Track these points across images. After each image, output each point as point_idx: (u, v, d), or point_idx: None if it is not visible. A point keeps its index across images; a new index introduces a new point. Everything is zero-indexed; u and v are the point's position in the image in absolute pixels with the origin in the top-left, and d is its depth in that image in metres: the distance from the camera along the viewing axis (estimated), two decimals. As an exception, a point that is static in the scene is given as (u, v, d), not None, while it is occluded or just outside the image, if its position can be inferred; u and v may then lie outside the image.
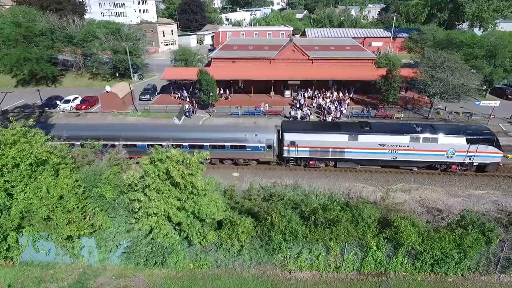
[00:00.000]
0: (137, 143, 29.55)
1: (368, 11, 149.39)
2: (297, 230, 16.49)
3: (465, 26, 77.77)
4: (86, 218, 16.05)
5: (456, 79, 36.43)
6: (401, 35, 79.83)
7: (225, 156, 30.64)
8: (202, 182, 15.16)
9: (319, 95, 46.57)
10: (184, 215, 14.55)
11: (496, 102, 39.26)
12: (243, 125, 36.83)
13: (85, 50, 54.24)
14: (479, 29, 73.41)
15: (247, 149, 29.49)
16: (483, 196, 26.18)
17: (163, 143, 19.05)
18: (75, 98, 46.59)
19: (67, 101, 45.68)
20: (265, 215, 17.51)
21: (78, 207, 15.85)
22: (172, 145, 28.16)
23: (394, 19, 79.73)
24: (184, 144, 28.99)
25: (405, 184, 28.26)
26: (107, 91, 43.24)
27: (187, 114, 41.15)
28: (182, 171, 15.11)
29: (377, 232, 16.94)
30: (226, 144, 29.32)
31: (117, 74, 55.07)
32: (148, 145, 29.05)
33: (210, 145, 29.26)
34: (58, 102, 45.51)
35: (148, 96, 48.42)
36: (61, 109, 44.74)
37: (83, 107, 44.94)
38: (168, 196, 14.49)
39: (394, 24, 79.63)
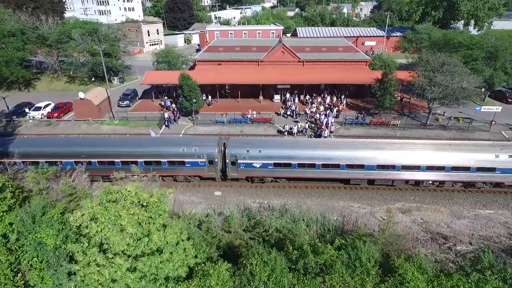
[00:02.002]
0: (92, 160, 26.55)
1: (361, 8, 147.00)
2: (282, 281, 13.58)
3: (460, 24, 75.87)
4: (18, 276, 12.91)
5: (456, 83, 33.92)
6: (394, 34, 77.47)
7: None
8: (160, 234, 12.06)
9: (310, 99, 43.70)
10: (137, 279, 11.46)
11: (497, 108, 36.94)
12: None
13: (60, 52, 50.32)
14: (474, 28, 71.48)
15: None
16: (491, 217, 23.71)
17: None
18: (47, 105, 42.90)
19: (38, 109, 41.99)
20: (244, 260, 14.56)
21: (7, 261, 12.67)
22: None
23: (387, 18, 77.22)
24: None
25: (405, 203, 25.64)
26: (80, 98, 39.70)
27: (166, 123, 37.79)
28: (138, 217, 12.06)
29: (378, 280, 14.14)
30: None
31: (93, 79, 51.29)
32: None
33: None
34: (27, 109, 41.74)
35: (128, 102, 44.94)
36: (31, 117, 41.05)
37: (55, 115, 41.32)
38: (115, 255, 11.38)
39: (387, 22, 77.16)
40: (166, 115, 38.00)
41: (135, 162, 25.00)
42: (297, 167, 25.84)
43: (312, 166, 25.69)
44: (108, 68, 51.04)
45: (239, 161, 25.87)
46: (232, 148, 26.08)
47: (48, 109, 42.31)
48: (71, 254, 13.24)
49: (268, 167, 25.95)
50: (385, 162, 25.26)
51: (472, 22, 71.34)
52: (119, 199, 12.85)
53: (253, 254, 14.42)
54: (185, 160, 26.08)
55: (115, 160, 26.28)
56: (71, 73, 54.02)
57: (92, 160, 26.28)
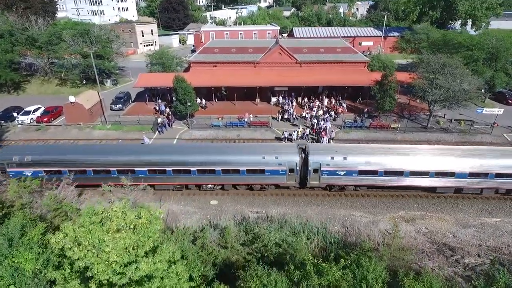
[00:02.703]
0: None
1: (357, 8, 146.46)
2: (283, 307, 12.53)
3: (457, 24, 75.32)
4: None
5: (458, 85, 33.10)
6: (392, 34, 76.79)
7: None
8: (149, 260, 10.93)
9: (307, 103, 42.54)
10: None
11: (499, 110, 36.16)
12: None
13: (50, 54, 48.81)
14: (471, 28, 70.97)
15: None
16: (497, 226, 22.85)
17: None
18: (37, 109, 41.48)
19: (27, 113, 40.58)
20: (242, 284, 13.47)
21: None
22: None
23: (385, 17, 76.47)
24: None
25: (408, 211, 24.71)
26: (71, 102, 38.33)
27: (159, 129, 36.49)
28: (124, 241, 10.93)
29: (386, 303, 13.14)
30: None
31: (84, 82, 49.84)
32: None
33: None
34: (15, 114, 40.28)
35: (120, 105, 43.61)
36: (20, 122, 39.63)
37: (45, 119, 39.89)
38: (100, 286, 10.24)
39: (384, 22, 76.41)
40: (159, 120, 36.62)
41: (213, 171, 24.78)
42: (383, 175, 24.58)
43: (400, 174, 24.48)
44: (100, 70, 49.71)
45: (322, 169, 24.56)
46: (315, 155, 24.79)
47: (38, 113, 40.87)
48: (52, 279, 12.08)
49: (353, 175, 24.69)
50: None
51: (470, 22, 70.83)
52: (105, 221, 11.74)
53: (252, 276, 13.34)
54: (266, 168, 24.96)
55: (190, 168, 25.11)
56: (62, 75, 52.49)
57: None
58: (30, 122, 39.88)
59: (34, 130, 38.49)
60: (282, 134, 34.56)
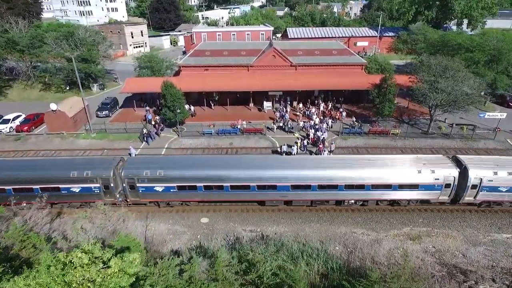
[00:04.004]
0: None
1: (350, 7, 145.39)
2: None
3: (452, 24, 74.35)
4: None
5: (460, 89, 31.65)
6: (387, 34, 75.59)
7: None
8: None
9: (302, 110, 40.57)
10: None
11: (502, 114, 34.82)
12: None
13: (32, 57, 46.32)
14: (467, 27, 70.00)
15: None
16: (509, 244, 21.36)
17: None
18: (16, 117, 39.06)
19: (6, 121, 38.15)
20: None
21: None
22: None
23: (380, 17, 75.12)
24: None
25: (413, 227, 23.08)
26: (52, 110, 36.04)
27: (145, 138, 34.35)
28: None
29: None
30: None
31: (68, 87, 47.45)
32: None
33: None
34: (-7, 123, 37.89)
35: (107, 112, 41.38)
36: (-2, 131, 37.21)
37: (25, 128, 37.52)
38: None
39: (380, 22, 75.09)
40: (144, 130, 34.39)
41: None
42: None
43: None
44: (86, 74, 47.43)
45: (482, 185, 22.68)
46: (476, 169, 22.64)
47: (18, 121, 38.45)
48: None
49: None
50: None
51: (465, 21, 69.85)
52: (68, 270, 9.80)
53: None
54: (420, 183, 22.95)
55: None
56: (46, 80, 50.01)
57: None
58: (9, 131, 37.46)
59: (13, 140, 36.13)
60: (280, 148, 31.61)
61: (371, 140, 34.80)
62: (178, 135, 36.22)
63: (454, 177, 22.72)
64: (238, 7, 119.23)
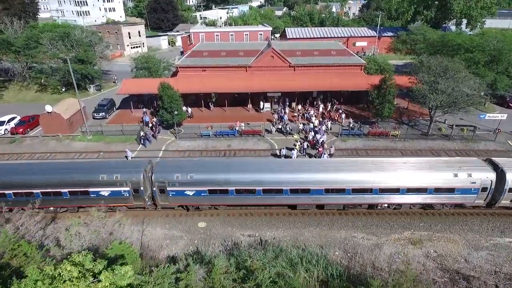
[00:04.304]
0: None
1: (349, 7, 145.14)
2: None
3: (451, 24, 74.12)
4: None
5: (461, 90, 31.31)
6: (386, 34, 75.31)
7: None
8: None
9: (301, 112, 40.03)
10: None
11: (503, 115, 34.51)
12: None
13: (27, 58, 45.74)
14: (466, 27, 69.80)
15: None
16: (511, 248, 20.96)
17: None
18: (11, 119, 38.51)
19: (1, 123, 37.59)
20: None
21: None
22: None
23: (379, 17, 74.81)
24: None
25: (414, 231, 22.70)
26: (48, 112, 35.53)
27: (142, 141, 33.84)
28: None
29: None
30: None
31: (63, 89, 46.89)
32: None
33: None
34: (-13, 125, 37.32)
35: (103, 113, 40.87)
36: (-8, 133, 36.67)
37: (21, 130, 36.99)
38: None
39: (378, 22, 74.80)
40: (141, 133, 33.86)
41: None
42: None
43: None
44: (82, 75, 46.93)
45: None
46: None
47: (12, 123, 37.91)
48: None
49: None
50: None
51: (464, 21, 69.62)
52: (55, 285, 9.35)
53: None
54: (457, 187, 22.70)
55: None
56: (42, 81, 49.44)
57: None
58: (4, 133, 36.93)
59: (8, 142, 35.59)
60: (280, 152, 31.04)
61: (371, 141, 34.44)
62: (176, 137, 35.76)
63: (491, 181, 22.32)
64: (237, 7, 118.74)
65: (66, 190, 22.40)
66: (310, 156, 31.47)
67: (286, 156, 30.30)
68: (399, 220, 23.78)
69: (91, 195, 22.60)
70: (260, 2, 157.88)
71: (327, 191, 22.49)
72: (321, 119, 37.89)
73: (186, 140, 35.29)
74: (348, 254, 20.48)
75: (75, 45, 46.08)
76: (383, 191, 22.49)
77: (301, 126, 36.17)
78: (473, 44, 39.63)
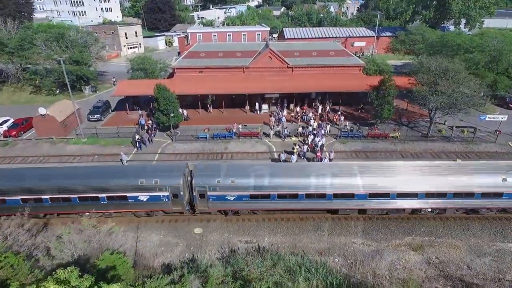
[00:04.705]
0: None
1: (347, 7, 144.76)
2: None
3: (450, 24, 73.83)
4: None
5: (461, 92, 30.87)
6: (384, 34, 74.86)
7: None
8: None
9: (299, 114, 39.44)
10: None
11: (503, 117, 34.10)
12: None
13: (21, 59, 44.98)
14: (465, 27, 69.51)
15: None
16: (515, 253, 20.48)
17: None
18: (4, 122, 37.84)
19: (-6, 126, 36.91)
20: None
21: None
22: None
23: (377, 17, 74.39)
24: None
25: (415, 237, 22.22)
26: (41, 114, 34.87)
27: (137, 145, 33.18)
28: None
29: None
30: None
31: (57, 91, 46.15)
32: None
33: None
34: (-20, 128, 36.62)
35: (99, 115, 40.22)
36: (-15, 137, 35.96)
37: (14, 133, 36.32)
38: None
39: (377, 22, 74.35)
40: (136, 136, 33.15)
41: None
42: None
43: None
44: (78, 76, 46.25)
45: None
46: None
47: (5, 126, 37.21)
48: None
49: None
50: None
51: (463, 21, 69.33)
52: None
53: None
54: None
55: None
56: (36, 82, 48.67)
57: None
58: (-3, 136, 36.27)
59: (0, 145, 34.88)
60: (279, 157, 30.30)
61: (370, 143, 33.94)
62: (172, 140, 35.16)
63: None
64: (234, 7, 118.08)
65: (104, 195, 21.95)
66: (309, 160, 30.89)
67: (285, 161, 29.73)
68: (399, 225, 23.29)
69: (129, 200, 22.16)
70: (258, 2, 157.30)
71: (372, 195, 21.96)
72: (320, 122, 37.19)
73: (183, 143, 34.70)
74: (348, 261, 19.97)
75: (70, 46, 45.34)
76: (429, 195, 21.91)
77: (300, 129, 35.55)
78: (472, 44, 39.24)
